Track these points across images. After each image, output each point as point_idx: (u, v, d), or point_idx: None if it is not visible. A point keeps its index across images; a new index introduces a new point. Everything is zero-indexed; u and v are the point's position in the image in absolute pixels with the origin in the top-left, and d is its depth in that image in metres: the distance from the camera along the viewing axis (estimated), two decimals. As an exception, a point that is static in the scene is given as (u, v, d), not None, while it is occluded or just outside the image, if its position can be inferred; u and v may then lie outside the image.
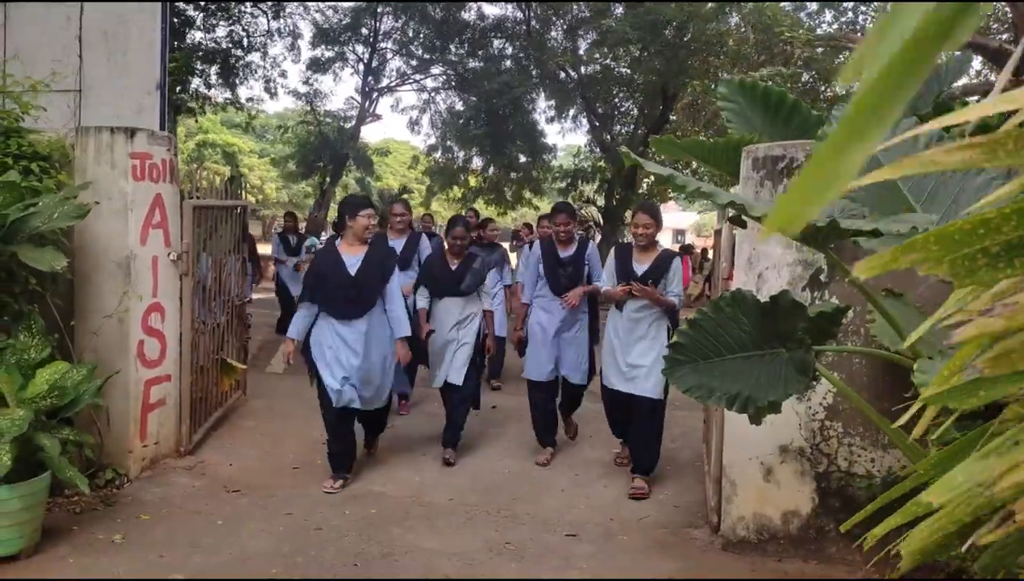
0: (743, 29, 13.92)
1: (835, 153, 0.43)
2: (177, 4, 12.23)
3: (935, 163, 0.65)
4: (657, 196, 20.01)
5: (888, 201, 2.41)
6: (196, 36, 14.40)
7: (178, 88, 11.92)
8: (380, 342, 4.45)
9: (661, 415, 4.62)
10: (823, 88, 14.42)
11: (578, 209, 19.27)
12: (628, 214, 19.38)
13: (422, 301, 5.05)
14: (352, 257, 4.46)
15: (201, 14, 14.14)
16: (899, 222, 1.97)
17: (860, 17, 13.79)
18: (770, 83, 4.47)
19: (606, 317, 4.91)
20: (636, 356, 4.51)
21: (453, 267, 5.02)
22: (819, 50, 13.11)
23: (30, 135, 4.19)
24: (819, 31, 13.91)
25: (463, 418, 4.99)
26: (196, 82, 14.52)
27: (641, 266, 4.59)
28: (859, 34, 13.12)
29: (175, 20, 11.80)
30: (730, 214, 3.27)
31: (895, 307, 2.76)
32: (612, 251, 4.83)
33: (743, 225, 3.75)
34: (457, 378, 4.90)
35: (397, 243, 5.74)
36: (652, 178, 19.33)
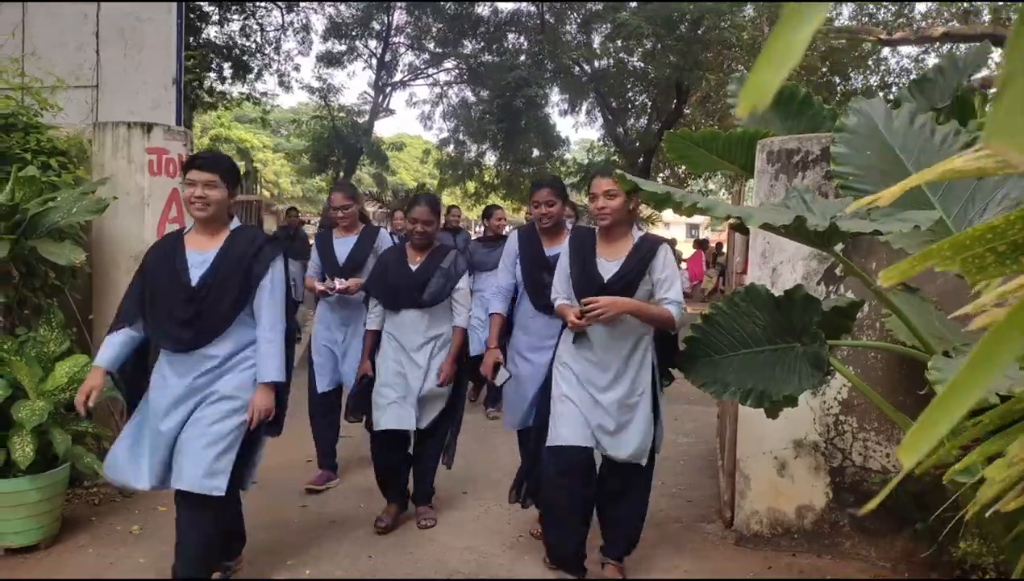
0: (758, 21, 13.82)
1: (787, 32, 0.48)
2: (192, 0, 12.30)
3: (955, 172, 0.67)
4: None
5: (894, 180, 2.40)
6: (211, 31, 14.48)
7: (194, 83, 12.00)
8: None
9: (648, 482, 3.25)
10: (839, 82, 14.29)
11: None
12: (642, 208, 19.36)
13: (372, 321, 3.80)
14: (198, 254, 2.85)
15: (216, 9, 14.21)
16: (902, 221, 1.96)
17: (880, 12, 13.64)
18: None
19: None
20: (611, 403, 3.05)
21: (414, 266, 3.69)
22: (837, 42, 13.00)
23: (48, 131, 4.24)
24: (836, 24, 13.78)
25: (431, 475, 3.90)
26: (212, 77, 14.62)
27: (610, 263, 3.07)
28: (879, 27, 12.99)
29: (191, 15, 11.87)
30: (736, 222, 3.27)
31: (911, 302, 2.75)
32: (566, 242, 3.30)
33: (745, 231, 3.74)
34: (425, 422, 3.70)
35: (344, 243, 4.33)
36: (667, 172, 19.29)
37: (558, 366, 3.15)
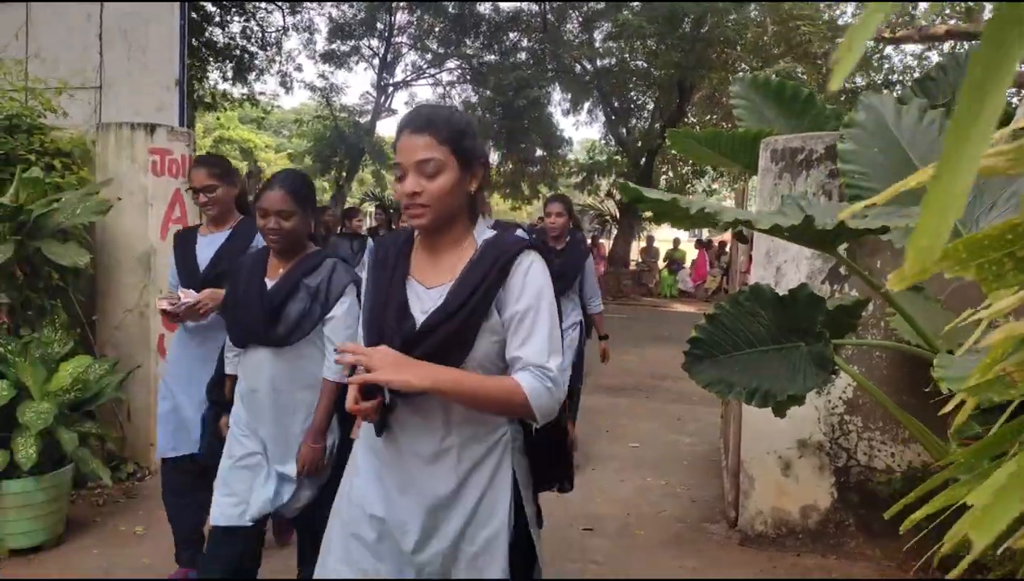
0: (761, 20, 13.80)
1: (946, 185, 0.46)
2: (195, 1, 12.32)
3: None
4: (676, 187, 19.94)
5: (902, 176, 2.39)
6: (214, 32, 14.50)
7: (196, 84, 12.02)
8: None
9: None
10: (847, 81, 14.26)
11: (599, 202, 19.21)
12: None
13: (230, 361, 2.69)
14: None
15: (218, 10, 14.23)
16: (907, 216, 1.95)
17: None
18: (789, 75, 4.43)
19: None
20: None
21: (271, 281, 2.45)
22: (839, 41, 12.96)
23: (52, 132, 4.25)
24: (839, 23, 13.76)
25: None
26: (214, 77, 14.65)
27: (430, 291, 1.68)
28: (882, 26, 12.96)
29: (194, 16, 11.89)
30: (736, 230, 3.26)
31: (915, 300, 2.74)
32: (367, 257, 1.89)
33: (745, 240, 3.73)
34: (291, 508, 2.50)
35: (209, 242, 3.08)
36: (671, 173, 19.27)
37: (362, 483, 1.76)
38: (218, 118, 25.04)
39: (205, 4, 13.33)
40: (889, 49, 14.38)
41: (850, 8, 14.46)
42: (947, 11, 13.08)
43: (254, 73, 16.00)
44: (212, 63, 14.45)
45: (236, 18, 15.07)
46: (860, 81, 14.38)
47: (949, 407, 1.30)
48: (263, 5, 15.74)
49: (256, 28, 15.76)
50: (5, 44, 4.96)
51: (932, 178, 0.47)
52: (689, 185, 20.76)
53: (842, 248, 3.50)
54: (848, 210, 0.94)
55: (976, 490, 1.06)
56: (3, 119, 4.06)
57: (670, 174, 19.51)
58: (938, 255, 0.49)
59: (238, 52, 15.12)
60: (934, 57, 14.32)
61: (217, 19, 14.38)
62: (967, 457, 1.25)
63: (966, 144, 0.46)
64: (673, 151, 18.33)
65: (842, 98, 12.52)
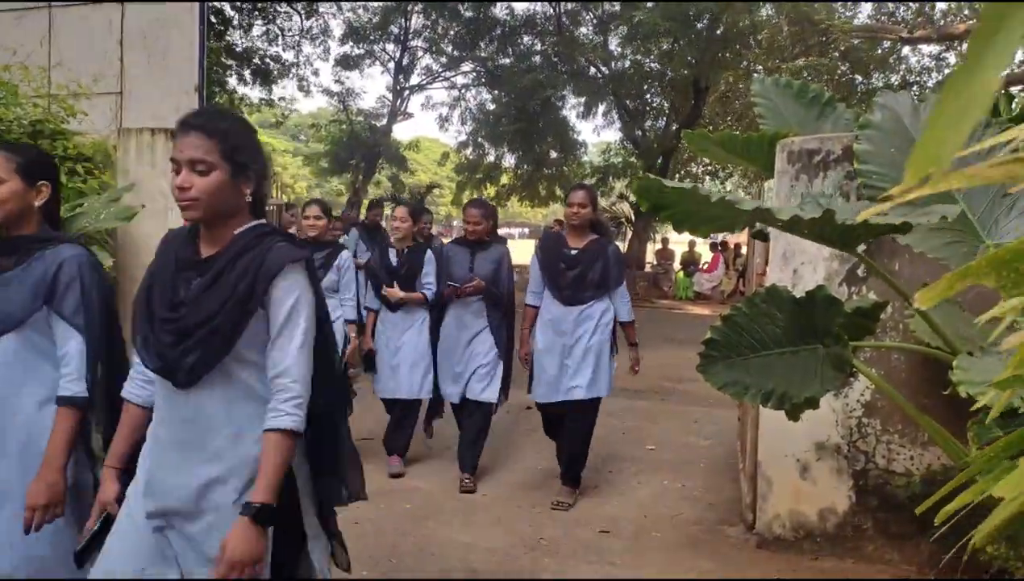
0: (777, 20, 13.73)
1: (967, 79, 0.42)
2: (215, 4, 12.45)
3: (982, 177, 0.66)
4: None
5: (907, 157, 2.38)
6: (233, 36, 14.64)
7: (215, 88, 12.13)
8: None
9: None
10: (860, 81, 14.16)
11: (611, 204, 19.18)
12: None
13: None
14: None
15: (237, 14, 14.37)
16: (928, 213, 1.94)
17: (900, 10, 13.50)
18: (806, 75, 4.39)
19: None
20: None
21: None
22: (856, 41, 12.88)
23: (75, 137, 4.31)
24: (856, 22, 13.67)
25: None
26: (232, 82, 14.78)
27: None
28: (900, 25, 12.86)
29: (212, 20, 12.01)
30: (754, 230, 3.25)
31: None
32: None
33: (765, 238, 3.71)
34: None
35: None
36: (683, 172, 19.19)
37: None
38: (237, 121, 25.22)
39: (224, 6, 13.46)
40: (906, 49, 14.26)
41: (867, 7, 14.37)
42: (966, 11, 12.94)
43: (272, 76, 16.14)
44: (231, 68, 14.59)
45: (256, 22, 15.21)
46: (877, 81, 14.28)
47: (980, 403, 1.30)
48: (282, 9, 15.87)
49: (276, 31, 15.91)
50: (29, 52, 5.04)
51: (948, 81, 0.43)
52: (701, 184, 20.65)
53: (861, 249, 3.48)
54: (872, 210, 0.95)
55: (1001, 482, 1.06)
56: (27, 125, 4.13)
57: (682, 172, 19.44)
58: (944, 164, 0.44)
59: (257, 56, 15.26)
60: (951, 58, 14.19)
61: (236, 23, 14.53)
62: (987, 457, 1.25)
63: (994, 41, 0.42)
64: (688, 153, 18.31)
65: (855, 100, 12.43)
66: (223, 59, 13.57)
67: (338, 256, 4.61)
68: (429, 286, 4.60)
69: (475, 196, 22.40)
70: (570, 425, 4.26)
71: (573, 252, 4.23)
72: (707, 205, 2.03)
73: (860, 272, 3.50)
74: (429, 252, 4.65)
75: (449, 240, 5.63)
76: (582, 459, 4.34)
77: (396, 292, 4.52)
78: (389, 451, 4.69)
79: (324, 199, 5.08)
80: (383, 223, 7.91)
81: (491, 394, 4.48)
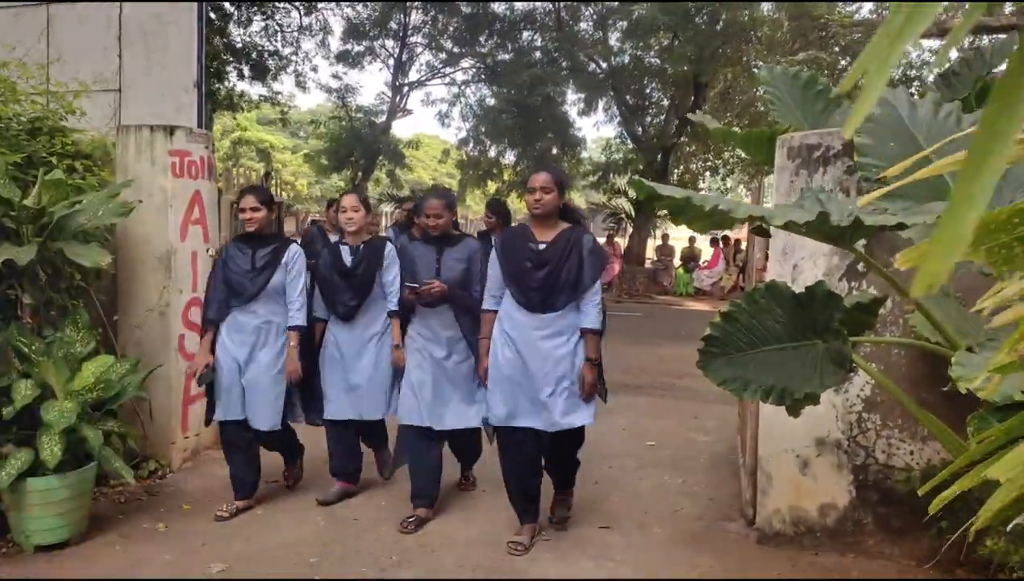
0: (777, 15, 13.70)
1: (954, 220, 0.51)
2: (213, 1, 12.43)
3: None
4: (689, 185, 19.86)
5: (906, 151, 2.38)
6: (232, 33, 14.62)
7: (215, 85, 12.12)
8: None
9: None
10: (860, 76, 14.12)
11: (609, 199, 19.15)
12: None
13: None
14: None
15: (236, 11, 14.35)
16: (923, 213, 1.94)
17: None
18: (807, 69, 4.37)
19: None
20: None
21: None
22: (857, 36, 12.85)
23: (73, 134, 4.30)
24: (857, 17, 13.64)
25: None
26: (232, 79, 14.76)
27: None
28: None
29: (212, 16, 12.00)
30: (753, 225, 3.24)
31: (932, 297, 2.72)
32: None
33: (766, 234, 3.71)
34: None
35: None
36: (682, 168, 19.17)
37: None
38: (235, 119, 25.26)
39: (224, 3, 13.44)
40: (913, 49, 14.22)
41: (868, 5, 14.34)
42: (966, 5, 12.92)
43: (271, 73, 16.12)
44: (230, 64, 14.57)
45: (255, 18, 15.19)
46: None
47: (983, 396, 1.30)
48: (281, 5, 15.85)
49: (275, 27, 15.89)
50: (28, 48, 5.03)
51: (946, 213, 0.50)
52: (703, 182, 20.66)
53: (860, 244, 3.48)
54: (865, 198, 0.95)
55: (996, 464, 1.07)
56: (26, 122, 4.12)
57: (683, 169, 19.43)
58: (958, 256, 0.51)
59: (256, 52, 15.24)
60: (952, 52, 14.15)
61: (235, 19, 14.51)
62: (986, 443, 1.26)
63: (994, 146, 0.48)
64: (688, 149, 18.29)
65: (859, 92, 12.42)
66: (222, 56, 13.56)
67: (285, 252, 3.91)
68: (393, 292, 3.95)
69: (479, 193, 22.41)
70: (549, 453, 3.70)
71: (541, 247, 3.50)
72: (701, 212, 2.02)
73: (860, 267, 3.49)
74: (390, 246, 4.02)
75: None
76: (572, 473, 3.92)
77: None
78: (336, 473, 4.18)
79: (361, 192, 4.48)
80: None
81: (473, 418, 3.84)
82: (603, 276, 3.85)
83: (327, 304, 4.03)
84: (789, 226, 2.03)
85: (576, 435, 3.69)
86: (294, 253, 3.93)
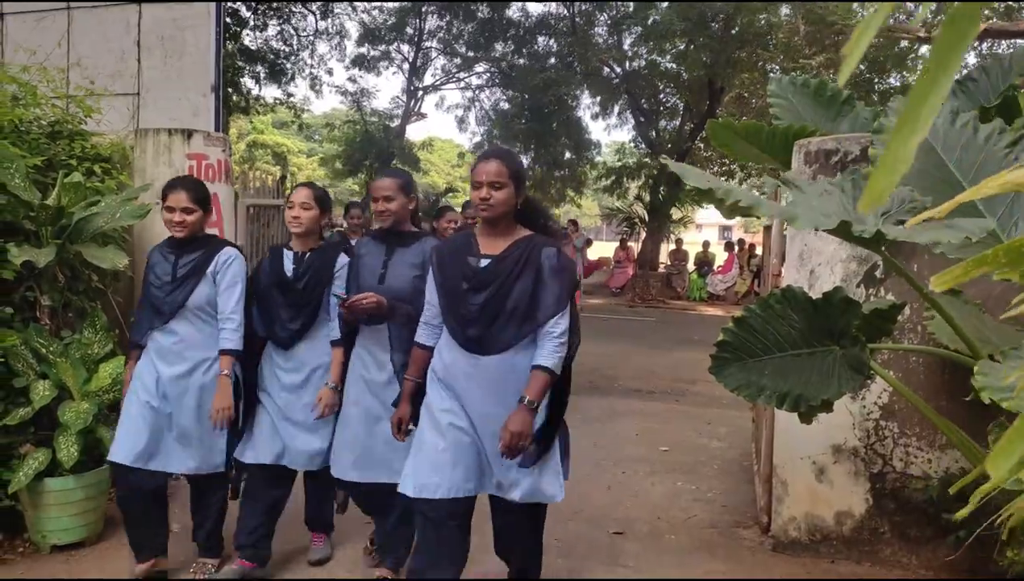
0: (793, 20, 13.64)
1: (898, 145, 0.56)
2: (231, 5, 12.54)
3: (1015, 185, 0.67)
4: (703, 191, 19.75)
5: (936, 179, 2.37)
6: (248, 37, 14.76)
7: (230, 89, 12.23)
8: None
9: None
10: (877, 80, 14.04)
11: (627, 206, 19.09)
12: (674, 210, 19.29)
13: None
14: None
15: (252, 15, 14.48)
16: (952, 229, 1.92)
17: (917, 7, 13.37)
18: (822, 74, 4.35)
19: None
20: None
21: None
22: (873, 40, 12.78)
23: (92, 137, 4.35)
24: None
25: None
26: (248, 83, 14.89)
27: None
28: (917, 25, 12.75)
29: (228, 20, 12.11)
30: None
31: (953, 304, 2.69)
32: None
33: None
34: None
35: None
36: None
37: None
38: (251, 122, 25.47)
39: (239, 7, 13.55)
40: (924, 48, 14.12)
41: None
42: (985, 10, 12.82)
43: (287, 76, 16.24)
44: (246, 68, 14.70)
45: (271, 22, 15.32)
46: (894, 81, 14.17)
47: (1006, 406, 1.29)
48: (296, 9, 15.98)
49: (291, 31, 16.01)
50: (48, 53, 5.09)
51: (890, 138, 0.55)
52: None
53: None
54: (912, 221, 0.95)
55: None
56: (46, 125, 4.17)
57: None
58: (885, 200, 0.58)
59: (272, 56, 15.36)
60: (970, 58, 14.04)
61: (252, 24, 14.64)
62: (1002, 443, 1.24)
63: (919, 111, 0.55)
64: (703, 154, 18.24)
65: (875, 98, 12.34)
66: (238, 61, 13.68)
67: (213, 260, 3.11)
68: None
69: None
70: (502, 531, 2.83)
71: (483, 263, 2.56)
72: (721, 203, 2.02)
73: (878, 274, 3.47)
74: (344, 257, 3.18)
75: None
76: (536, 567, 2.92)
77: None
78: (312, 526, 3.52)
79: (318, 187, 3.35)
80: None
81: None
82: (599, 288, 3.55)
83: (265, 326, 3.18)
84: (814, 227, 2.03)
85: (534, 512, 2.74)
86: (225, 260, 3.12)
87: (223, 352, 3.07)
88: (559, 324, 2.51)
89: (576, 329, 2.62)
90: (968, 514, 1.38)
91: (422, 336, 2.74)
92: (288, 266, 3.16)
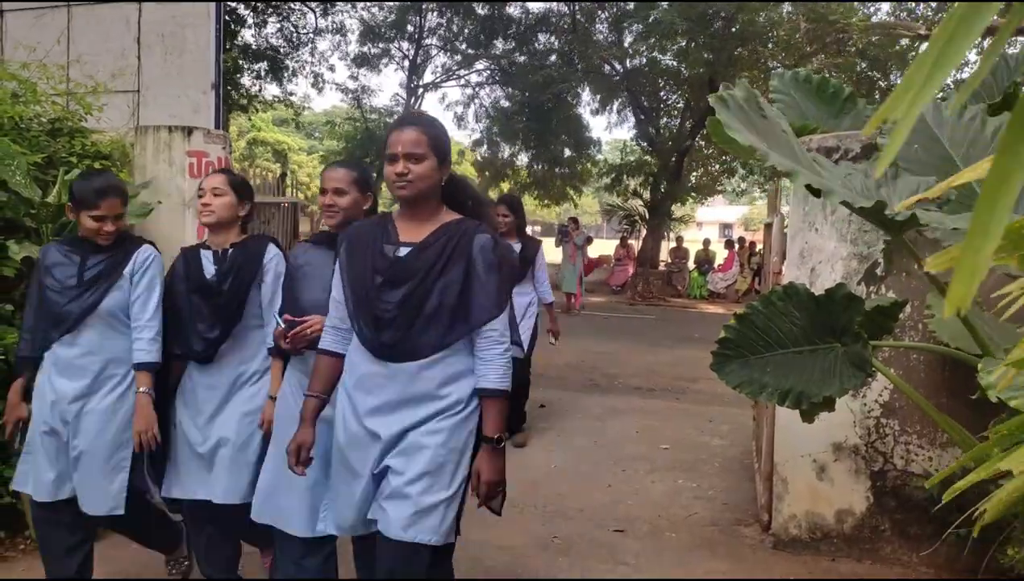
0: (795, 18, 13.64)
1: (974, 251, 0.52)
2: (230, 3, 12.54)
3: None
4: (705, 189, 19.78)
5: (944, 173, 2.38)
6: (247, 35, 14.76)
7: (229, 87, 12.22)
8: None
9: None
10: (879, 78, 14.03)
11: (627, 201, 19.08)
12: (674, 208, 19.28)
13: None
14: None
15: (251, 13, 14.47)
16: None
17: (920, 7, 13.36)
18: (825, 73, 4.34)
19: None
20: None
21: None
22: (874, 38, 12.76)
23: (92, 135, 4.34)
24: (874, 19, 13.54)
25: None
26: (248, 82, 14.88)
27: None
28: (919, 23, 12.74)
29: (227, 18, 12.11)
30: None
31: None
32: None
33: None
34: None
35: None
36: (700, 170, 19.10)
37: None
38: (251, 120, 25.46)
39: (237, 6, 13.54)
40: (924, 46, 14.11)
41: (885, 7, 14.22)
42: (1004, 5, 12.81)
43: (287, 73, 16.24)
44: (246, 66, 14.69)
45: (271, 19, 15.31)
46: (896, 79, 14.15)
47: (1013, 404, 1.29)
48: (296, 7, 15.97)
49: (291, 29, 16.00)
50: (48, 50, 5.08)
51: (976, 208, 0.51)
52: (719, 183, 20.58)
53: (879, 247, 3.45)
54: (903, 204, 0.94)
55: (1011, 456, 1.05)
56: (46, 123, 4.17)
57: (701, 170, 19.36)
58: (978, 282, 0.53)
59: (272, 53, 15.35)
60: (972, 56, 14.02)
61: (251, 21, 14.63)
62: (1002, 435, 1.24)
63: (1012, 173, 0.50)
64: (704, 151, 18.22)
65: (877, 97, 12.32)
66: (239, 60, 13.68)
67: (131, 258, 2.71)
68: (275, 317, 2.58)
69: (492, 195, 22.41)
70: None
71: (402, 251, 2.13)
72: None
73: (879, 271, 3.46)
74: (274, 251, 2.74)
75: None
76: None
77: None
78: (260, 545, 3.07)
79: (236, 172, 3.10)
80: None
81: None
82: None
83: (180, 336, 2.72)
84: (844, 204, 2.05)
85: (419, 558, 2.05)
86: (145, 259, 2.72)
87: (139, 367, 2.63)
88: (497, 329, 2.09)
89: (515, 332, 2.29)
90: (966, 512, 1.37)
91: (328, 341, 2.25)
92: (208, 267, 2.71)
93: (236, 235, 2.77)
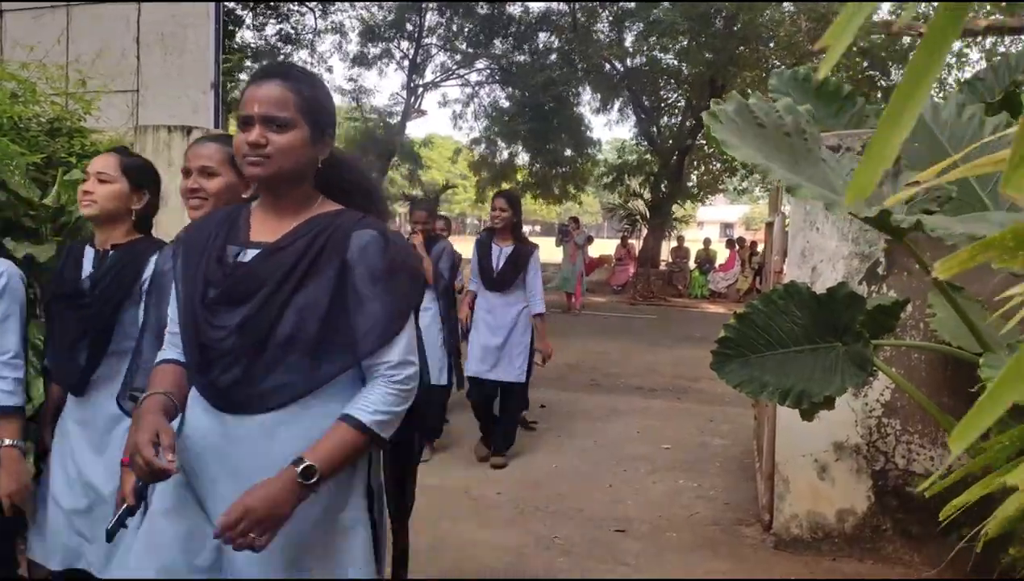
0: (796, 17, 13.63)
1: (883, 140, 0.59)
2: (228, 4, 12.53)
3: (1007, 163, 0.66)
4: (706, 189, 19.77)
5: (930, 153, 2.39)
6: (246, 34, 14.76)
7: (230, 85, 12.20)
8: None
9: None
10: (880, 76, 14.03)
11: (626, 201, 19.07)
12: (675, 207, 19.26)
13: None
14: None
15: (250, 13, 14.46)
16: (988, 222, 1.91)
17: (921, 6, 13.34)
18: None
19: None
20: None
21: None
22: (875, 37, 12.75)
23: (92, 135, 4.33)
24: (875, 18, 13.52)
25: None
26: (246, 79, 14.88)
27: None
28: (920, 21, 12.73)
29: (226, 19, 12.10)
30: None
31: (958, 302, 2.68)
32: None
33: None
34: None
35: None
36: (701, 169, 19.09)
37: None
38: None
39: (236, 7, 13.53)
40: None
41: (885, 6, 14.22)
42: (987, 7, 12.79)
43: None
44: (245, 66, 14.68)
45: (271, 21, 15.30)
46: (897, 77, 14.14)
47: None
48: (296, 8, 15.97)
49: (291, 29, 15.99)
50: (47, 50, 5.07)
51: (875, 133, 0.58)
52: (721, 183, 20.57)
53: (881, 246, 3.44)
54: (894, 198, 0.93)
55: (1015, 471, 1.04)
56: (45, 123, 4.16)
57: (702, 169, 19.34)
58: (869, 193, 0.60)
59: (271, 53, 15.34)
60: (973, 53, 14.01)
61: (249, 22, 14.62)
62: (1001, 446, 1.23)
63: (904, 107, 0.58)
64: (705, 150, 18.21)
65: (879, 95, 12.31)
66: (236, 54, 13.67)
67: None
68: (168, 336, 1.77)
69: (490, 194, 22.44)
70: None
71: (249, 254, 1.54)
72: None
73: (880, 270, 3.45)
74: (168, 252, 1.97)
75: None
76: None
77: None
78: None
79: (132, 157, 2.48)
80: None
81: None
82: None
83: (53, 356, 2.24)
84: (851, 214, 2.06)
85: None
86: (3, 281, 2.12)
87: (2, 413, 2.11)
88: (390, 360, 1.49)
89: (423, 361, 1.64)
90: (969, 511, 1.36)
91: (169, 350, 1.64)
92: (86, 268, 2.16)
93: (125, 234, 2.19)
